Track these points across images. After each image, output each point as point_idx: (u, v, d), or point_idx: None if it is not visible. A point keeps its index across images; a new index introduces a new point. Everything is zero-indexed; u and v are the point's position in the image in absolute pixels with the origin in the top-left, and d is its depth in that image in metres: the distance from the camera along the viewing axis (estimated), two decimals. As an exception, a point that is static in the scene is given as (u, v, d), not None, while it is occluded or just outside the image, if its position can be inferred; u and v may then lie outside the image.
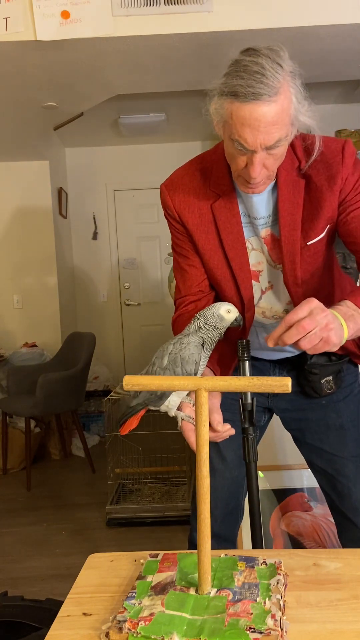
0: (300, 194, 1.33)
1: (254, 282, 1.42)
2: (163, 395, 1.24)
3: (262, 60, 1.12)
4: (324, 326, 1.09)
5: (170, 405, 1.26)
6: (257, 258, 1.41)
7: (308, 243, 1.36)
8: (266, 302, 1.45)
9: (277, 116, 1.13)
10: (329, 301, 1.43)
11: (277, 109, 1.13)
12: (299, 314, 1.09)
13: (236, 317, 1.27)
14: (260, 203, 1.36)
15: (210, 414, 1.26)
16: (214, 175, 1.37)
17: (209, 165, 1.39)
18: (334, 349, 1.14)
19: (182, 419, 1.27)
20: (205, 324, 1.25)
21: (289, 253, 1.36)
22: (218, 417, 1.28)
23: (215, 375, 1.40)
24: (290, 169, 1.33)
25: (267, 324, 1.48)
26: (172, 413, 1.27)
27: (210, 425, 1.26)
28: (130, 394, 1.30)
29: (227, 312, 1.25)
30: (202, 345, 1.24)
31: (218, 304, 1.27)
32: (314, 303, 1.11)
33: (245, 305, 1.42)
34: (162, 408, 1.27)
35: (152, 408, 1.28)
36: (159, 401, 1.25)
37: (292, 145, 1.33)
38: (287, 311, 1.44)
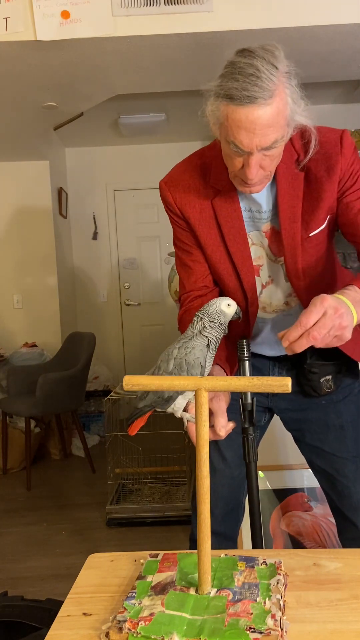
0: (299, 187, 1.34)
1: (255, 276, 1.43)
2: (170, 399, 1.24)
3: (257, 62, 1.12)
4: (338, 325, 1.10)
5: (177, 407, 1.26)
6: (257, 252, 1.42)
7: (310, 235, 1.36)
8: (266, 297, 1.45)
9: (272, 119, 1.14)
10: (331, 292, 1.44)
11: (272, 111, 1.13)
12: (312, 318, 1.09)
13: (236, 310, 1.26)
14: (260, 198, 1.36)
15: (216, 417, 1.26)
16: (213, 171, 1.38)
17: (207, 160, 1.40)
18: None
19: (188, 420, 1.26)
20: (210, 321, 1.23)
21: (290, 246, 1.36)
22: (222, 420, 1.26)
23: (226, 372, 1.39)
24: (288, 162, 1.34)
25: (268, 318, 1.48)
26: (178, 415, 1.27)
27: (213, 425, 1.25)
28: (137, 394, 1.29)
29: (227, 307, 1.25)
30: (208, 345, 1.23)
31: (217, 299, 1.27)
32: (326, 302, 1.10)
33: (248, 300, 1.42)
34: (169, 410, 1.26)
35: (159, 410, 1.27)
36: (166, 404, 1.25)
37: (290, 140, 1.33)
38: (287, 304, 1.45)
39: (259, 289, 1.44)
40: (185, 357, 1.21)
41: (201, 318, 1.24)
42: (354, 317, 1.15)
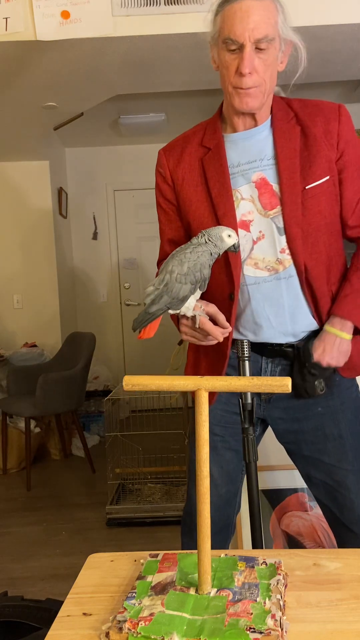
0: (296, 140, 1.40)
1: (244, 232, 1.43)
2: (185, 298, 1.33)
3: None
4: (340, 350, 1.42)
5: (190, 305, 1.35)
6: (246, 207, 1.43)
7: (306, 187, 1.39)
8: (259, 252, 1.44)
9: (264, 11, 1.28)
10: (326, 254, 1.46)
11: (263, 6, 1.28)
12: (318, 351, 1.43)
13: (235, 243, 1.34)
14: (255, 145, 1.42)
15: (217, 315, 1.38)
16: (208, 131, 1.48)
17: (204, 124, 1.52)
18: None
19: (200, 315, 1.36)
20: (209, 240, 1.32)
21: (291, 194, 1.39)
22: (222, 316, 1.38)
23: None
24: (285, 118, 1.42)
25: (262, 282, 1.45)
26: (189, 313, 1.36)
27: (219, 324, 1.38)
28: (146, 302, 1.37)
29: (227, 237, 1.33)
30: (210, 254, 1.33)
31: (220, 227, 1.35)
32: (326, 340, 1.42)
33: (231, 263, 1.43)
34: (183, 310, 1.35)
35: (172, 312, 1.37)
36: (181, 304, 1.34)
37: (287, 100, 1.45)
38: (279, 261, 1.43)
39: (249, 245, 1.43)
40: (197, 259, 1.31)
41: (204, 235, 1.33)
42: (346, 337, 1.43)
